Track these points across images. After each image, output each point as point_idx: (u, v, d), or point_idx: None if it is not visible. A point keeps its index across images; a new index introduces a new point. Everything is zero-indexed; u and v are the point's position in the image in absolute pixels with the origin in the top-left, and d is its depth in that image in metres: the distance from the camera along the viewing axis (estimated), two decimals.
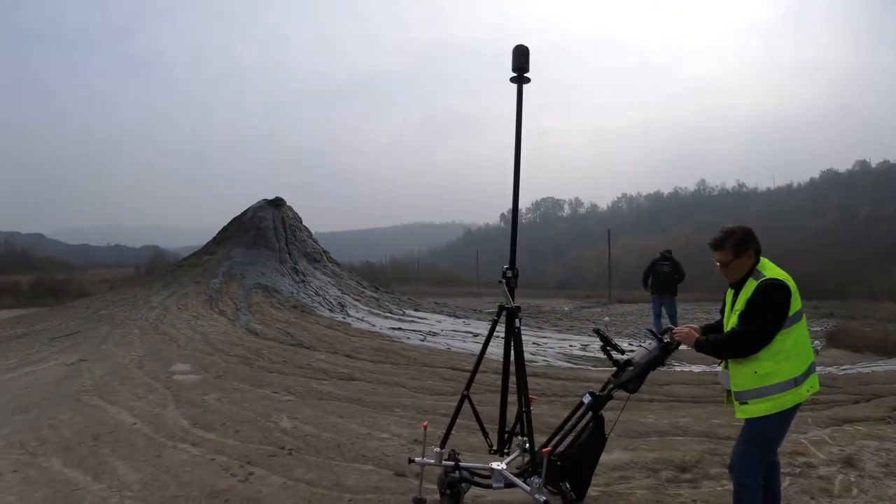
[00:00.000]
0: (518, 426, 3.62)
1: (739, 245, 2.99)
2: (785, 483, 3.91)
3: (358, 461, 4.37)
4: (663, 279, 10.43)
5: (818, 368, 7.54)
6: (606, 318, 14.05)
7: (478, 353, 3.63)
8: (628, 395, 3.23)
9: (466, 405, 3.53)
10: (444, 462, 3.43)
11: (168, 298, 11.01)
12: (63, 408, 5.61)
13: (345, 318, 10.56)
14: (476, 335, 10.10)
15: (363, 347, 8.41)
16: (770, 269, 2.97)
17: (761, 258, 3.04)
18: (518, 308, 3.56)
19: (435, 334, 9.94)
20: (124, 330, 9.03)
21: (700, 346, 3.03)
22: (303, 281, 12.15)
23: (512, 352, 3.52)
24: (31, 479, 4.08)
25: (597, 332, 3.60)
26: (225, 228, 13.90)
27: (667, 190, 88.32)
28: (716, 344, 3.00)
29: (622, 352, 3.37)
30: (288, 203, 14.34)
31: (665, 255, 10.63)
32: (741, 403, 2.94)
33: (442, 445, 3.51)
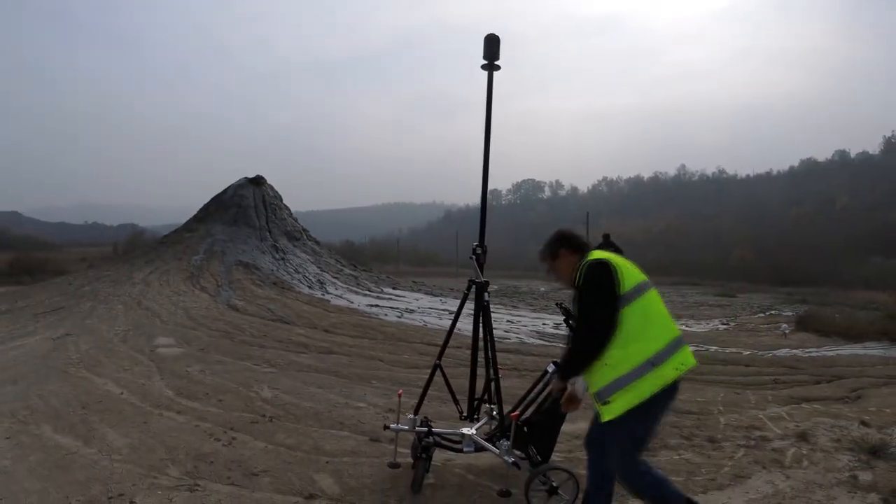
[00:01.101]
0: (486, 394, 3.93)
1: (549, 248, 2.94)
2: (739, 454, 4.24)
3: (335, 428, 4.65)
4: None
5: (784, 351, 8.00)
6: None
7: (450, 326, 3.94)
8: None
9: (438, 375, 3.84)
10: (417, 428, 3.72)
11: (150, 275, 11.14)
12: (51, 379, 5.81)
13: (324, 294, 10.80)
14: (452, 312, 10.39)
15: (342, 323, 8.67)
16: (593, 256, 2.79)
17: (592, 252, 2.86)
18: (487, 282, 3.85)
19: (412, 311, 10.23)
20: (108, 305, 9.18)
21: (563, 372, 2.79)
22: (283, 258, 12.34)
23: (481, 324, 3.84)
24: (23, 445, 4.29)
25: (559, 305, 3.87)
26: (206, 206, 13.98)
27: (647, 174, 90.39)
28: (571, 357, 2.72)
29: None
30: (268, 181, 14.43)
31: (608, 240, 11.93)
32: (604, 404, 2.65)
33: (415, 412, 3.79)
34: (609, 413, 2.62)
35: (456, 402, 3.90)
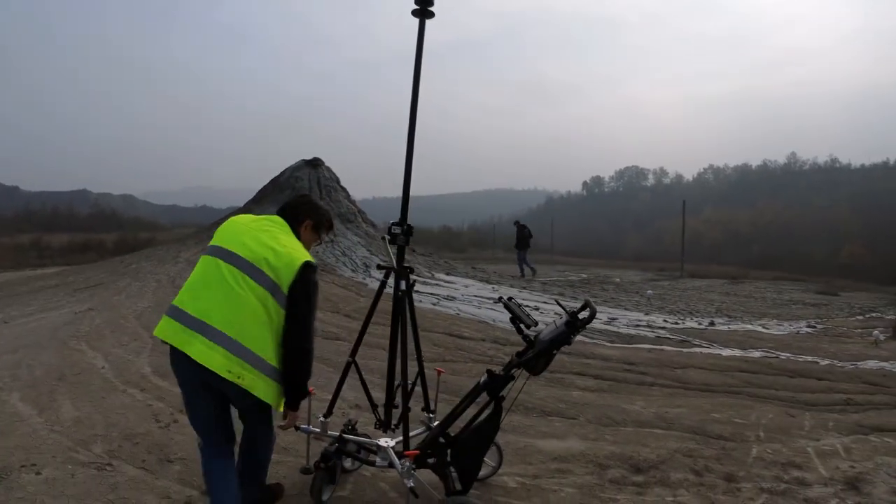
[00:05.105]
0: (404, 400, 3.54)
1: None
2: (760, 500, 3.55)
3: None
4: (527, 241, 17.85)
5: (871, 363, 6.97)
6: (650, 292, 13.61)
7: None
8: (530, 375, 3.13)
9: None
10: (328, 433, 3.50)
11: (196, 255, 11.70)
12: (48, 351, 6.24)
13: (365, 278, 10.84)
14: (497, 301, 10.09)
15: (368, 308, 8.61)
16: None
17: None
18: (408, 269, 3.55)
19: (452, 299, 10.04)
20: (142, 283, 9.76)
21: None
22: (331, 241, 12.49)
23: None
24: None
25: (501, 301, 3.45)
26: (263, 188, 14.51)
27: (755, 162, 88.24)
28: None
29: (535, 324, 3.24)
30: (327, 163, 14.72)
31: (522, 224, 18.49)
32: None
33: (326, 415, 3.56)
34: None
35: (374, 407, 3.64)
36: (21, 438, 4.07)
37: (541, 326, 3.22)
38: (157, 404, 4.76)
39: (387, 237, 3.58)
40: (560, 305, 3.23)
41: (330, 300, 8.97)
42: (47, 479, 3.50)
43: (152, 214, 58.96)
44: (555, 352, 3.06)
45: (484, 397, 3.21)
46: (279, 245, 2.78)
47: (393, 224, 3.54)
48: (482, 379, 3.22)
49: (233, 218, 2.97)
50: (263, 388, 2.67)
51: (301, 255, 2.79)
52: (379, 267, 3.61)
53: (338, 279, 10.47)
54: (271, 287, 2.68)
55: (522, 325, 3.20)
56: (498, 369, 3.23)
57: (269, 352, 2.67)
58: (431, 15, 3.50)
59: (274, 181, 14.34)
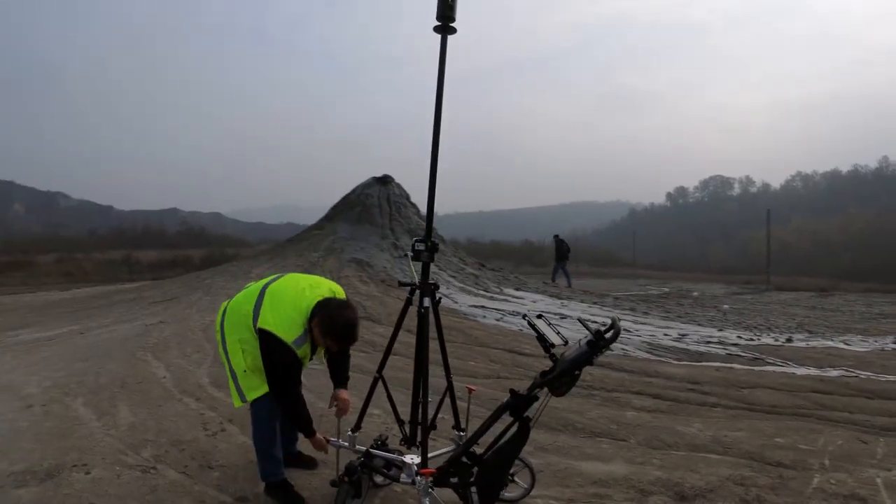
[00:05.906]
0: (434, 418, 3.54)
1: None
2: None
3: (331, 433, 4.63)
4: (565, 253, 18.81)
5: None
6: (726, 307, 12.94)
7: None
8: (550, 395, 3.04)
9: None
10: (356, 447, 3.56)
11: (267, 270, 12.19)
12: (115, 360, 6.66)
13: None
14: (563, 318, 9.90)
15: (430, 323, 8.67)
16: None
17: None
18: (433, 286, 3.55)
19: (516, 314, 9.92)
20: (213, 298, 10.24)
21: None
22: (400, 256, 12.73)
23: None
24: (51, 413, 5.00)
25: (526, 319, 3.38)
26: (335, 205, 15.01)
27: (845, 168, 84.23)
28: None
29: (565, 342, 3.18)
30: (395, 180, 15.05)
31: (561, 239, 19.25)
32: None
33: (354, 429, 3.62)
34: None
35: (400, 423, 3.66)
36: (77, 440, 4.37)
37: (570, 344, 3.14)
38: (208, 413, 4.97)
39: (410, 254, 3.59)
40: (584, 325, 3.12)
41: (393, 316, 9.08)
42: (94, 479, 3.74)
43: (240, 232, 61.90)
44: (577, 372, 2.97)
45: (508, 417, 3.15)
46: (279, 306, 3.38)
47: (416, 240, 3.53)
48: (507, 399, 3.16)
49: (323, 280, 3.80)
50: (224, 358, 3.56)
51: (269, 322, 3.30)
52: (401, 284, 3.63)
53: (402, 293, 10.61)
54: (255, 315, 3.37)
55: (549, 344, 3.13)
56: (522, 389, 3.16)
57: (231, 340, 3.49)
58: (453, 31, 3.45)
59: (345, 199, 14.82)
